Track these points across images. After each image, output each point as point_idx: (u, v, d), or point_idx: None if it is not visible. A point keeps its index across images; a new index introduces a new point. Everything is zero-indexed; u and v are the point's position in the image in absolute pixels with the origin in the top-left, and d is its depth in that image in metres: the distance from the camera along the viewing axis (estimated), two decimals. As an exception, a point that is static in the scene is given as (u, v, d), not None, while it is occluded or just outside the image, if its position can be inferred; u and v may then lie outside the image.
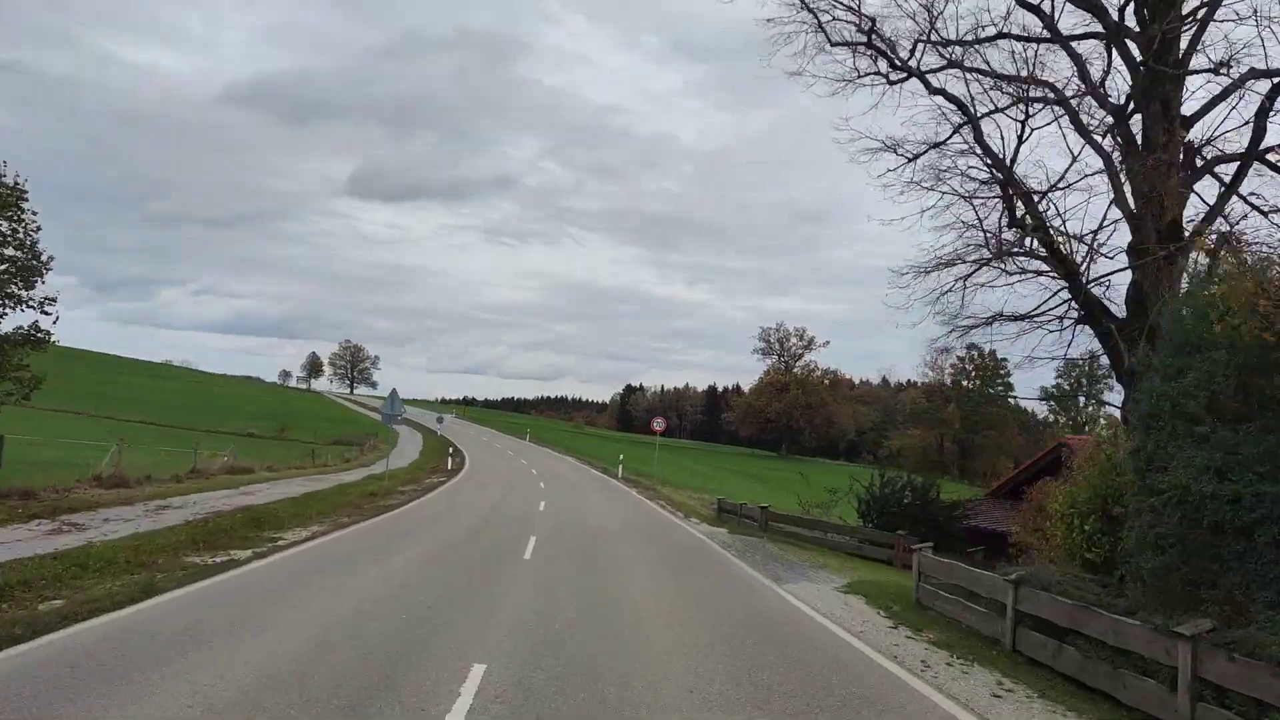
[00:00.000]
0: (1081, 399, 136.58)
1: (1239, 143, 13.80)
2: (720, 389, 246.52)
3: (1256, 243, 12.63)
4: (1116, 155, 14.39)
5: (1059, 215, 16.15)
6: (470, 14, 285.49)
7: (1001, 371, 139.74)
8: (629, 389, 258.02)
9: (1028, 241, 16.04)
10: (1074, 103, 14.82)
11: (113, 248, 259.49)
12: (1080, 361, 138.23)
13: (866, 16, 16.15)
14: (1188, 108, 14.21)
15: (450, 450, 53.07)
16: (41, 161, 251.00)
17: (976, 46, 15.70)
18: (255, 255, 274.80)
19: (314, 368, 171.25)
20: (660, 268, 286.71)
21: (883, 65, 16.51)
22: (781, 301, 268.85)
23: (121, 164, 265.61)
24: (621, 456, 47.90)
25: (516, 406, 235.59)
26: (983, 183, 16.60)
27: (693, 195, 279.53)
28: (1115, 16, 14.49)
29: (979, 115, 16.02)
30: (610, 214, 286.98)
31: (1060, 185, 16.02)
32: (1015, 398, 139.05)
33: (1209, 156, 14.06)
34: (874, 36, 16.29)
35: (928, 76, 16.13)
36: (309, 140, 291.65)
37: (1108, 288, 15.30)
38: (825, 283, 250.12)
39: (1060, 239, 15.38)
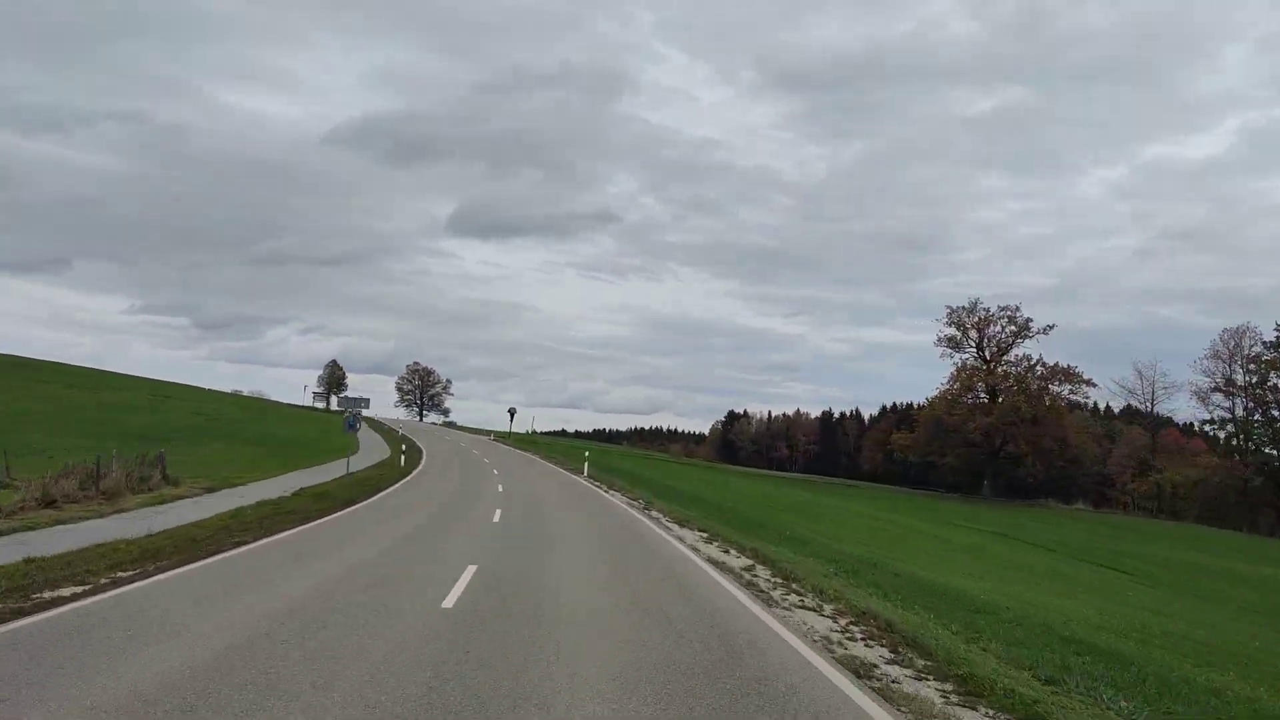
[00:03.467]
0: None
1: None
2: (836, 415, 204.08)
3: None
4: None
5: None
6: (573, 50, 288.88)
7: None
8: (731, 416, 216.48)
9: None
10: None
11: (222, 288, 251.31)
12: None
13: None
14: None
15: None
16: (158, 205, 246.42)
17: None
18: (359, 294, 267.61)
19: (334, 382, 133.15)
20: (756, 301, 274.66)
21: None
22: (876, 332, 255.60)
23: (231, 206, 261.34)
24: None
25: (609, 438, 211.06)
26: None
27: (790, 228, 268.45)
28: None
29: None
30: (708, 248, 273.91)
31: None
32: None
33: None
34: None
35: None
36: (412, 180, 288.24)
37: None
38: (923, 312, 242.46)
39: None
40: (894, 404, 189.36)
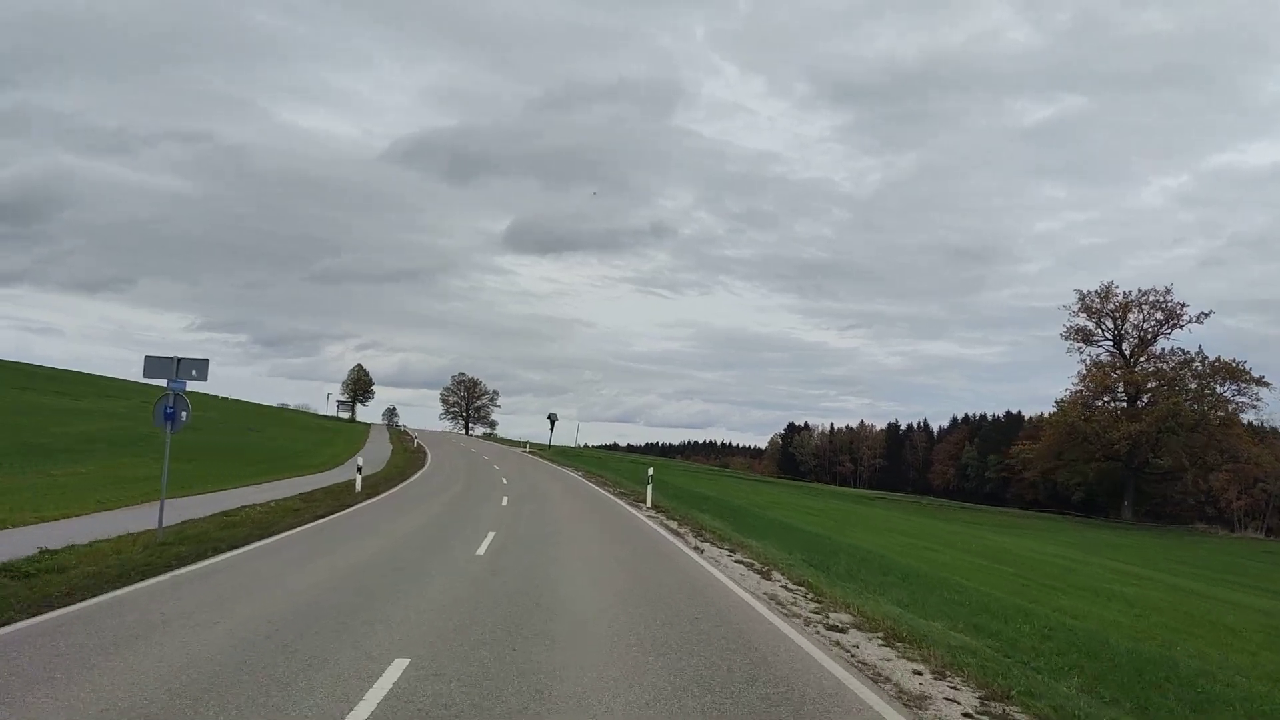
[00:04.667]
0: None
1: None
2: (903, 427, 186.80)
3: None
4: None
5: None
6: (629, 65, 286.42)
7: None
8: (791, 428, 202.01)
9: None
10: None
11: (281, 305, 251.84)
12: None
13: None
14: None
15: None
16: (219, 224, 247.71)
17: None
18: (416, 310, 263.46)
19: (359, 387, 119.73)
20: (812, 314, 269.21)
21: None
22: (933, 345, 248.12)
23: (291, 224, 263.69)
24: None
25: (663, 452, 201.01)
26: None
27: (846, 240, 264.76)
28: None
29: None
30: (763, 261, 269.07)
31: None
32: None
33: None
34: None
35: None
36: (469, 196, 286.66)
37: None
38: (980, 325, 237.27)
39: None
40: (965, 415, 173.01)
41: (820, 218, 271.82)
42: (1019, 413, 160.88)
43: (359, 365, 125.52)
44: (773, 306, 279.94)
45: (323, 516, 18.07)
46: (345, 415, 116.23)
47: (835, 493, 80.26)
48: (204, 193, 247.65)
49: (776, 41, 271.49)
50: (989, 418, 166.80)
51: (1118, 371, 76.47)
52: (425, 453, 53.60)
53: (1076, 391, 77.18)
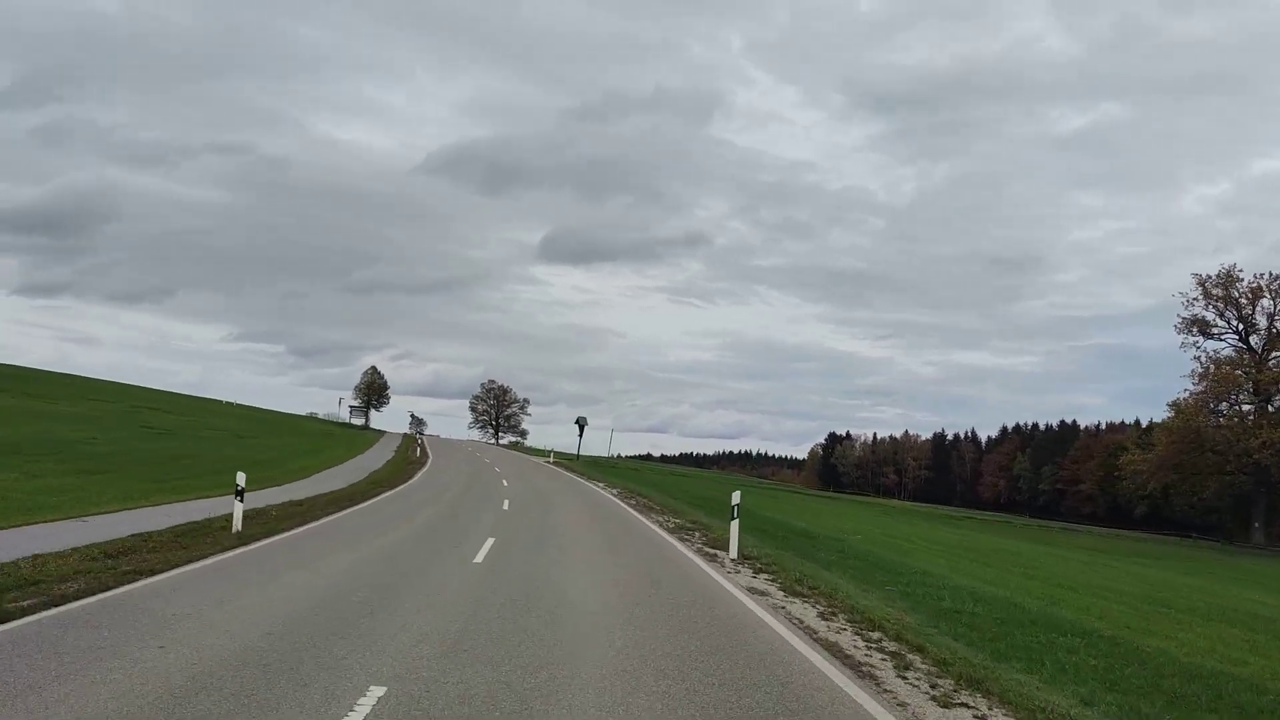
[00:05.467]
0: None
1: None
2: (951, 437, 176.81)
3: None
4: None
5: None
6: (666, 75, 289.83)
7: None
8: (832, 438, 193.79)
9: None
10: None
11: (317, 316, 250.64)
12: None
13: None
14: None
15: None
16: (257, 236, 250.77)
17: None
18: (450, 321, 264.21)
19: (372, 391, 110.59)
20: (846, 324, 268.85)
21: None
22: (968, 355, 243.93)
23: (328, 236, 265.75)
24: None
25: (696, 462, 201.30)
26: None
27: (881, 249, 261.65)
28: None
29: None
30: (797, 271, 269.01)
31: None
32: None
33: None
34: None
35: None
36: (504, 207, 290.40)
37: None
38: (1015, 334, 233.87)
39: None
40: (1015, 425, 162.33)
41: (855, 227, 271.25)
42: (1074, 422, 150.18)
43: (373, 368, 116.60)
44: (805, 316, 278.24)
45: (52, 607, 7.99)
46: (359, 422, 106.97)
47: (907, 510, 69.49)
48: (243, 205, 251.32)
49: (813, 52, 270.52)
50: (1040, 427, 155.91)
51: (1244, 369, 65.01)
52: (424, 463, 44.02)
53: (1197, 393, 65.66)
